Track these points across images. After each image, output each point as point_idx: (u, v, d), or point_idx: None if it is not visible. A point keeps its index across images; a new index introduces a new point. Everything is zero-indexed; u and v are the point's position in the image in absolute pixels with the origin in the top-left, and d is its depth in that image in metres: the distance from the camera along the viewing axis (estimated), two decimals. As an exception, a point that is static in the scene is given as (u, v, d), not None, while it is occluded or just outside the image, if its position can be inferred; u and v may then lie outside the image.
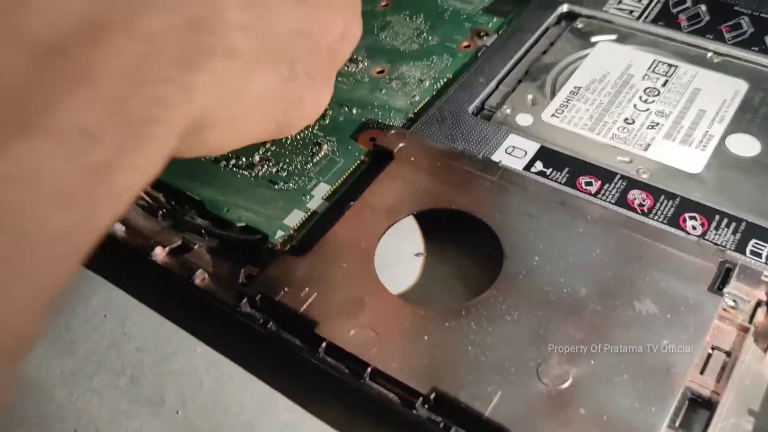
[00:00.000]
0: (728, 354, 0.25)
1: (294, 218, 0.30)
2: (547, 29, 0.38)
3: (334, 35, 0.26)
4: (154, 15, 0.17)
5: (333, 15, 0.26)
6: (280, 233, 0.29)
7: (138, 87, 0.17)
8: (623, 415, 0.22)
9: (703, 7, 0.38)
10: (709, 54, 0.36)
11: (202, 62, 0.19)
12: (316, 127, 0.34)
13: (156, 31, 0.17)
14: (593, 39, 0.37)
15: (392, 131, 0.32)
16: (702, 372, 0.24)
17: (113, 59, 0.16)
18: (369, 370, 0.24)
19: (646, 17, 0.38)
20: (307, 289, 0.26)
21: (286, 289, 0.26)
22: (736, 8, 0.38)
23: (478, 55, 0.37)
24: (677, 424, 0.23)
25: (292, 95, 0.25)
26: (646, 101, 0.33)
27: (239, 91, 0.21)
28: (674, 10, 0.38)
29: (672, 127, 0.32)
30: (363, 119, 0.34)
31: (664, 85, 0.34)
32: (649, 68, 0.35)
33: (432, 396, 0.23)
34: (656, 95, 0.34)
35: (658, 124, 0.32)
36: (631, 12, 0.38)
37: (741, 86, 0.34)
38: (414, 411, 0.23)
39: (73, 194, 0.16)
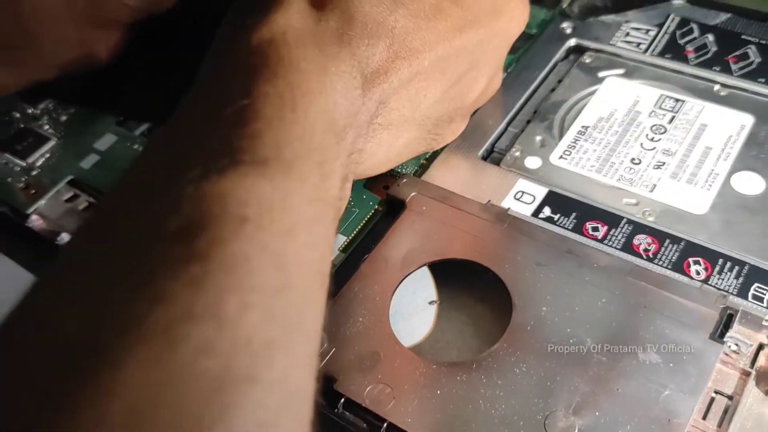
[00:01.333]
0: (730, 398, 0.26)
1: (313, 271, 0.31)
2: (555, 65, 0.39)
3: (477, 91, 0.33)
4: None
5: (478, 77, 0.32)
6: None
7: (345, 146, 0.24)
8: (627, 467, 0.24)
9: (711, 37, 0.38)
10: (716, 87, 0.36)
11: (370, 135, 0.28)
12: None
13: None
14: (601, 74, 0.38)
15: (404, 180, 0.33)
16: (705, 417, 0.25)
17: None
18: (385, 425, 0.26)
19: (654, 50, 0.38)
20: (325, 344, 0.28)
21: (305, 345, 0.28)
22: (743, 37, 0.38)
23: (487, 95, 0.38)
24: (680, 471, 0.24)
25: (435, 135, 0.33)
26: (652, 139, 0.34)
27: (391, 144, 0.31)
28: (681, 41, 0.39)
29: (678, 166, 0.33)
30: (377, 167, 0.35)
31: (670, 121, 0.35)
32: (656, 104, 0.36)
33: (445, 450, 0.25)
34: (663, 132, 0.34)
35: (664, 163, 0.33)
36: (638, 45, 0.39)
37: (747, 120, 0.34)
38: (428, 465, 0.25)
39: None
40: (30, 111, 0.41)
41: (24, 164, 0.38)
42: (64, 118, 0.41)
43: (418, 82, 0.29)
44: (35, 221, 0.36)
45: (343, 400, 0.26)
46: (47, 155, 0.39)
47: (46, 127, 0.40)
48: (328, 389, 0.27)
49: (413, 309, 0.30)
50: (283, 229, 0.18)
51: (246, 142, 0.19)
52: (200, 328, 0.15)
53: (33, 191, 0.37)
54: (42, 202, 0.36)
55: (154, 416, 0.14)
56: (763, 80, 0.36)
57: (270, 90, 0.21)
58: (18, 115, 0.41)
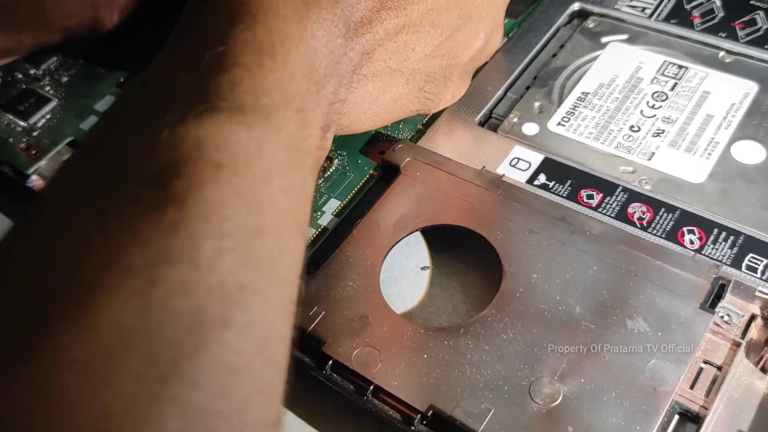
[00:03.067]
0: (719, 368, 0.26)
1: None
2: (558, 30, 0.39)
3: (475, 48, 0.32)
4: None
5: (475, 32, 0.31)
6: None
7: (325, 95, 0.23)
8: (609, 433, 0.24)
9: (718, 2, 0.38)
10: (721, 53, 0.36)
11: (355, 84, 0.28)
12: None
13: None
14: (604, 39, 0.37)
15: (399, 145, 0.33)
16: (692, 386, 0.25)
17: None
18: (371, 387, 0.26)
19: (659, 15, 0.38)
20: (315, 307, 0.28)
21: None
22: (751, 2, 0.37)
23: (487, 60, 0.37)
24: (664, 438, 0.24)
25: (429, 94, 0.32)
26: (653, 107, 0.34)
27: (378, 98, 0.30)
28: (687, 6, 0.38)
29: (677, 134, 0.32)
30: (373, 132, 0.35)
31: (672, 88, 0.34)
32: (658, 71, 0.35)
33: (429, 413, 0.25)
34: (664, 100, 0.34)
35: (663, 131, 0.33)
36: (643, 9, 0.38)
37: (751, 88, 0.34)
38: (412, 428, 0.25)
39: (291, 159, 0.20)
40: (32, 72, 0.41)
41: (25, 125, 0.38)
42: (65, 79, 0.41)
43: (406, 35, 0.29)
44: (35, 181, 0.36)
45: (331, 362, 0.27)
46: (48, 116, 0.39)
47: (48, 88, 0.40)
48: (316, 352, 0.27)
49: (404, 274, 0.30)
50: (259, 175, 0.18)
51: (224, 89, 0.19)
52: (176, 270, 0.15)
53: (34, 152, 0.37)
54: (42, 163, 0.36)
55: (135, 342, 0.14)
56: (769, 47, 0.35)
57: (249, 36, 0.21)
58: (20, 76, 0.41)
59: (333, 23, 0.24)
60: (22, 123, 0.38)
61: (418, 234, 0.31)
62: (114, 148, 0.19)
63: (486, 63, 0.37)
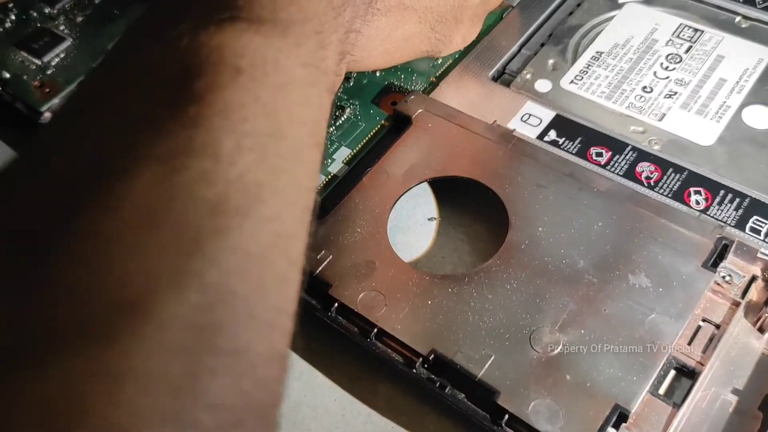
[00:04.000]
0: (717, 326, 0.26)
1: (315, 181, 0.32)
2: (576, -12, 0.38)
3: None
4: None
5: None
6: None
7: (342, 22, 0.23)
8: (606, 382, 0.24)
9: (738, -33, 0.37)
10: (738, 18, 0.35)
11: (369, 17, 0.28)
12: (340, 90, 0.35)
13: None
14: (621, 0, 0.37)
15: (411, 96, 0.33)
16: (690, 343, 0.26)
17: None
18: (375, 330, 0.26)
19: (678, -23, 0.37)
20: (323, 251, 0.28)
21: (303, 251, 0.28)
22: (772, -32, 0.37)
23: (503, 16, 0.37)
24: (660, 391, 0.25)
25: (440, 35, 0.33)
26: (666, 68, 0.34)
27: (390, 34, 0.31)
28: (707, -30, 0.37)
29: (689, 96, 0.32)
30: (386, 82, 0.35)
31: (687, 51, 0.34)
32: (674, 33, 0.35)
33: (431, 357, 0.25)
34: (678, 62, 0.34)
35: (675, 93, 0.33)
36: (662, -29, 0.38)
37: (766, 54, 0.34)
38: (414, 370, 0.26)
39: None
40: (47, 11, 0.41)
41: (39, 63, 0.38)
42: (80, 19, 0.41)
43: None
44: (48, 119, 0.36)
45: (336, 304, 0.27)
46: (62, 55, 0.39)
47: (63, 27, 0.40)
48: (323, 294, 0.27)
49: (412, 223, 0.31)
50: (276, 84, 0.19)
51: (243, 1, 0.20)
52: (198, 161, 0.16)
53: (47, 90, 0.37)
54: (55, 101, 0.37)
55: (160, 221, 0.15)
56: (787, 14, 0.35)
57: None
58: (35, 14, 0.41)
59: None
60: (36, 61, 0.39)
61: (426, 185, 0.31)
62: (137, 54, 0.19)
63: (502, 18, 0.37)
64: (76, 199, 0.16)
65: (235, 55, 0.18)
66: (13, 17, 0.41)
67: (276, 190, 0.17)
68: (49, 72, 0.38)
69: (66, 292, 0.14)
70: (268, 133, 0.18)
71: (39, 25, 0.41)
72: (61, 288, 0.14)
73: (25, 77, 0.38)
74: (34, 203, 0.16)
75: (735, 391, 0.25)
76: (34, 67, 0.38)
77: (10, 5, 0.41)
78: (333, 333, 0.27)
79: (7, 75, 0.38)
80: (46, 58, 0.39)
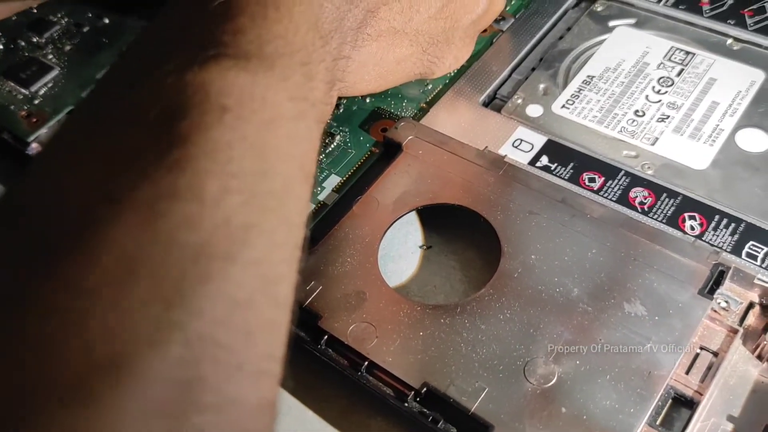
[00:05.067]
0: (715, 354, 0.26)
1: (305, 210, 0.31)
2: (565, 12, 0.38)
3: (477, 12, 0.33)
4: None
5: None
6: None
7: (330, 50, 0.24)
8: (602, 414, 0.24)
9: (728, -11, 0.37)
10: (729, 41, 0.35)
11: (360, 43, 0.28)
12: (330, 117, 0.35)
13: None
14: (611, 23, 0.37)
15: (402, 123, 0.33)
16: (688, 372, 0.25)
17: None
18: (366, 363, 0.26)
19: (668, 0, 0.37)
20: (312, 282, 0.28)
21: (293, 282, 0.28)
22: (762, -10, 0.37)
23: (493, 41, 0.37)
24: (658, 422, 0.24)
25: (432, 56, 0.33)
26: (659, 92, 0.33)
27: (382, 58, 0.31)
28: (697, -7, 0.37)
29: (682, 120, 0.32)
30: (376, 108, 0.35)
31: (679, 74, 0.34)
32: (665, 56, 0.35)
33: (423, 391, 0.25)
34: (670, 85, 0.34)
35: (668, 117, 0.32)
36: (652, -6, 0.38)
37: (758, 76, 0.33)
38: (406, 404, 0.25)
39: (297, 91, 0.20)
40: (35, 40, 0.41)
41: (27, 92, 0.38)
42: (68, 48, 0.41)
43: None
44: (35, 149, 0.36)
45: (326, 337, 0.27)
46: (50, 84, 0.39)
47: (51, 56, 0.40)
48: (312, 326, 0.27)
49: (403, 252, 0.30)
50: (264, 120, 0.18)
51: (228, 37, 0.19)
52: (182, 205, 0.16)
53: (35, 119, 0.37)
54: (43, 131, 0.36)
55: (141, 271, 0.15)
56: (778, 36, 0.35)
57: None
58: (23, 43, 0.41)
59: None
60: (23, 91, 0.38)
61: (417, 212, 0.31)
62: (122, 94, 0.19)
63: (492, 43, 0.37)
64: (54, 250, 0.15)
65: (221, 94, 0.18)
66: (0, 47, 0.41)
67: (264, 231, 0.17)
68: (36, 102, 0.38)
69: (39, 349, 0.14)
70: (257, 172, 0.17)
71: (27, 54, 0.40)
72: (33, 344, 0.14)
73: (12, 107, 0.37)
74: (8, 253, 0.16)
75: (734, 421, 0.24)
76: (21, 96, 0.38)
77: (-2, 35, 0.41)
78: (323, 366, 0.27)
79: (-6, 105, 0.38)
80: (33, 88, 0.38)
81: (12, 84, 0.39)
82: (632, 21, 0.37)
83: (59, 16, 0.42)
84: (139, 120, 0.17)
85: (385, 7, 0.29)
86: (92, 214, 0.16)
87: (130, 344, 0.14)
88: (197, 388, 0.14)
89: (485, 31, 0.38)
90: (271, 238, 0.17)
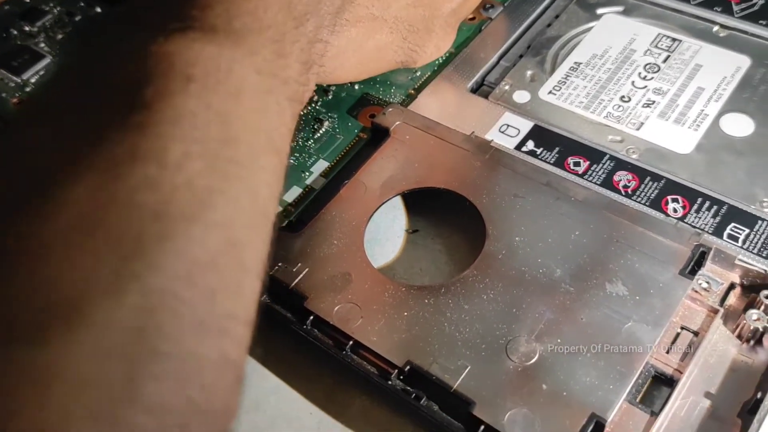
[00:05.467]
0: (696, 334, 0.26)
1: (293, 194, 0.31)
2: (554, 0, 0.39)
3: (456, 1, 0.33)
4: None
5: None
6: (278, 208, 0.31)
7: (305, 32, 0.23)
8: (582, 391, 0.24)
9: (715, -23, 0.37)
10: (716, 28, 0.35)
11: (338, 28, 0.28)
12: (319, 103, 0.35)
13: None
14: (599, 11, 0.37)
15: (389, 109, 0.33)
16: (668, 351, 0.26)
17: None
18: (350, 343, 0.26)
19: (656, -12, 0.38)
20: (299, 264, 0.28)
21: (280, 264, 0.28)
22: (749, -22, 0.37)
23: (482, 28, 0.37)
24: (638, 400, 0.25)
25: (413, 45, 0.33)
26: (644, 78, 0.34)
27: (362, 45, 0.31)
28: (685, -20, 0.38)
29: (667, 105, 0.32)
30: (364, 95, 0.35)
31: (665, 60, 0.34)
32: (652, 43, 0.35)
33: (406, 369, 0.25)
34: (656, 71, 0.34)
35: (653, 102, 0.33)
36: (640, -18, 0.38)
37: (743, 62, 0.34)
38: (389, 382, 0.25)
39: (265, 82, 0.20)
40: (27, 29, 0.41)
41: (19, 80, 0.38)
42: (60, 36, 0.41)
43: None
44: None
45: (312, 317, 0.27)
46: (42, 72, 0.39)
47: (42, 45, 0.40)
48: (298, 307, 0.27)
49: (390, 235, 0.31)
50: (229, 91, 0.19)
51: (196, 12, 0.20)
52: (142, 168, 0.16)
53: (18, 108, 0.37)
54: (34, 118, 0.36)
55: (98, 227, 0.15)
56: (764, 22, 0.35)
57: None
58: (15, 32, 0.41)
59: None
60: (15, 78, 0.38)
61: (404, 196, 0.31)
62: (90, 63, 0.19)
63: (480, 30, 0.37)
64: (14, 205, 0.16)
65: (187, 64, 0.18)
66: (-7, 35, 0.41)
67: (228, 197, 0.17)
68: (28, 89, 0.38)
69: None
70: (221, 140, 0.17)
71: (19, 42, 0.41)
72: None
73: (4, 95, 0.38)
74: None
75: (713, 399, 0.24)
76: (14, 84, 0.38)
77: (-9, 24, 0.42)
78: (309, 346, 0.27)
79: (-14, 92, 0.38)
80: (25, 76, 0.39)
81: (4, 72, 0.39)
82: (620, 8, 0.37)
83: (51, 5, 0.42)
84: (105, 87, 0.18)
85: None
86: (54, 175, 0.16)
87: (85, 292, 0.14)
88: (155, 336, 0.15)
89: (473, 18, 0.38)
90: (235, 203, 0.17)
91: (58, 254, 0.15)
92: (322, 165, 0.32)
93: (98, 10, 0.42)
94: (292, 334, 0.27)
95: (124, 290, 0.14)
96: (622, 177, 0.30)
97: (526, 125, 0.32)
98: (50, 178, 0.16)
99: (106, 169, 0.16)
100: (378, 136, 0.33)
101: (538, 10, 0.38)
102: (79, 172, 0.16)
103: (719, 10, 0.36)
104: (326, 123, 0.34)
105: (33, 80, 0.38)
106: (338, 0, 0.27)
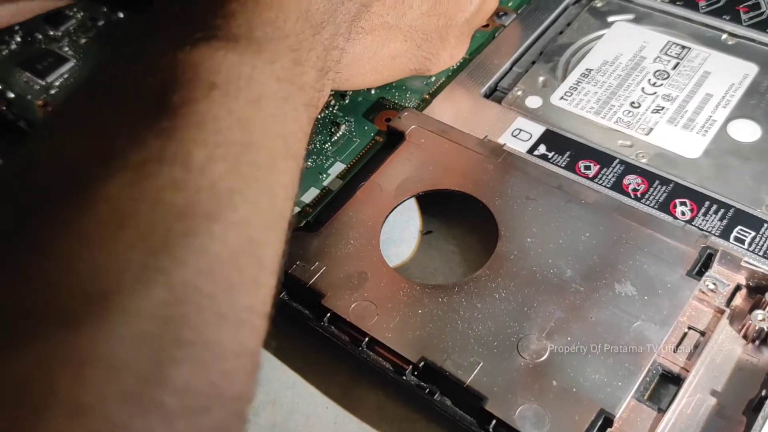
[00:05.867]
0: (703, 334, 0.27)
1: (310, 195, 0.32)
2: (566, 8, 0.39)
3: (470, 11, 0.34)
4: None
5: None
6: (296, 209, 0.32)
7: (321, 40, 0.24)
8: (591, 387, 0.25)
9: (724, -14, 0.38)
10: (724, 36, 0.36)
11: (354, 36, 0.29)
12: (336, 107, 0.36)
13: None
14: (610, 19, 0.38)
15: (405, 113, 0.34)
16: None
17: None
18: (366, 339, 0.27)
19: (666, -4, 0.38)
20: (317, 263, 0.29)
21: (298, 263, 0.29)
22: (758, -13, 0.38)
23: (495, 35, 0.38)
24: (645, 397, 0.25)
25: (427, 53, 0.34)
26: (654, 84, 0.34)
27: (376, 52, 0.32)
28: (694, -11, 0.38)
29: (676, 111, 0.33)
30: (380, 99, 0.36)
31: (674, 67, 0.35)
32: (661, 50, 0.36)
33: (421, 365, 0.26)
34: (665, 78, 0.35)
35: (663, 108, 0.33)
36: (650, -10, 0.39)
37: (751, 70, 0.34)
38: (404, 378, 0.26)
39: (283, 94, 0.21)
40: (52, 33, 0.43)
41: (43, 83, 0.40)
42: (83, 41, 0.42)
43: None
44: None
45: (329, 314, 0.28)
46: (66, 75, 0.40)
47: (66, 49, 0.42)
48: (316, 304, 0.28)
49: (405, 236, 0.31)
50: (250, 98, 0.20)
51: (219, 21, 0.21)
52: (168, 169, 0.17)
53: (50, 109, 0.38)
54: (59, 120, 0.38)
55: (130, 222, 0.16)
56: (772, 31, 0.36)
57: None
58: (40, 36, 0.42)
59: None
60: (40, 81, 0.40)
61: (418, 198, 0.32)
62: (120, 69, 0.21)
63: (494, 37, 0.38)
64: (53, 200, 0.17)
65: (210, 72, 0.19)
66: (18, 39, 0.42)
67: (247, 198, 0.18)
68: (52, 92, 0.39)
69: (38, 282, 0.15)
70: (242, 144, 0.19)
71: (44, 46, 0.42)
72: (34, 277, 0.15)
73: (29, 97, 0.39)
74: (15, 200, 0.18)
75: (719, 397, 0.25)
76: (38, 87, 0.39)
77: (16, 27, 0.43)
78: (326, 342, 0.28)
79: (12, 95, 0.39)
80: (49, 79, 0.40)
81: (29, 75, 0.40)
82: (631, 16, 0.38)
83: (75, 10, 0.44)
84: (134, 92, 0.19)
85: (378, 3, 0.30)
86: (88, 172, 0.17)
87: (117, 282, 0.15)
88: (180, 325, 0.16)
89: (487, 25, 0.39)
90: (254, 204, 0.18)
91: (93, 245, 0.16)
92: (339, 167, 0.33)
93: (120, 15, 0.43)
94: (310, 330, 0.28)
95: (153, 281, 0.16)
96: (631, 180, 0.31)
97: (538, 130, 0.33)
98: (85, 175, 0.17)
99: (137, 170, 0.17)
100: (393, 139, 0.33)
101: (551, 18, 0.39)
102: (112, 171, 0.17)
103: (728, 18, 0.37)
104: (343, 126, 0.35)
105: (57, 83, 0.40)
106: (354, 8, 0.27)
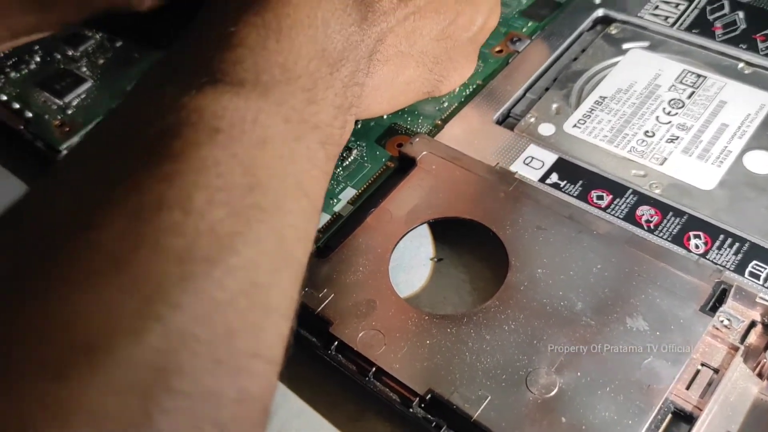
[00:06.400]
0: (716, 371, 0.26)
1: (321, 221, 0.32)
2: (581, 34, 0.39)
3: (474, 30, 0.34)
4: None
5: (473, 16, 0.34)
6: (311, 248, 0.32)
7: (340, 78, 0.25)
8: (601, 425, 0.24)
9: (741, 14, 0.38)
10: (741, 65, 0.36)
11: (371, 70, 0.30)
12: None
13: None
14: (625, 46, 0.38)
15: (416, 139, 0.34)
16: (688, 387, 0.26)
17: None
18: (373, 369, 0.27)
19: (681, 24, 0.38)
20: (325, 290, 0.29)
21: (306, 289, 0.29)
22: (775, 15, 0.38)
23: (509, 61, 0.38)
24: (656, 435, 0.25)
25: (438, 75, 0.34)
26: (669, 113, 0.34)
27: (393, 81, 0.32)
28: (711, 17, 0.38)
29: (691, 141, 0.33)
30: (392, 124, 0.36)
31: (689, 96, 0.35)
32: (677, 78, 0.36)
33: (428, 397, 0.26)
34: (680, 107, 0.34)
35: (677, 137, 0.33)
36: (666, 18, 0.39)
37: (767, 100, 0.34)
38: (411, 410, 0.26)
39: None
40: (70, 53, 0.43)
41: (61, 103, 0.40)
42: (101, 61, 0.42)
43: (414, 21, 0.31)
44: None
45: (336, 343, 0.28)
46: (83, 96, 0.40)
47: (84, 69, 0.42)
48: (323, 332, 0.28)
49: (414, 263, 0.31)
50: (255, 141, 0.20)
51: (226, 66, 0.21)
52: (168, 213, 0.17)
53: (67, 129, 0.39)
54: (74, 139, 0.38)
55: (125, 268, 0.16)
56: (790, 60, 0.35)
57: (257, 20, 0.23)
58: (59, 56, 0.43)
59: (345, 12, 0.25)
60: (57, 101, 0.40)
61: (426, 226, 0.32)
62: (128, 114, 0.21)
63: (507, 63, 0.38)
64: (48, 246, 0.17)
65: (215, 116, 0.19)
66: (37, 59, 0.43)
67: (250, 240, 0.18)
68: (69, 112, 0.39)
69: (28, 332, 0.15)
70: (245, 187, 0.19)
71: (62, 66, 0.42)
72: (24, 327, 0.15)
73: (46, 116, 0.39)
74: (11, 247, 0.18)
75: (732, 436, 0.25)
76: (56, 107, 0.40)
77: (35, 47, 0.43)
78: (334, 371, 0.28)
79: (30, 114, 0.39)
80: (67, 99, 0.40)
81: (47, 94, 0.40)
82: (646, 44, 0.38)
83: (93, 31, 0.44)
84: (139, 137, 0.19)
85: (391, 34, 0.30)
86: (86, 218, 0.17)
87: (108, 331, 0.15)
88: (174, 375, 0.15)
89: (501, 51, 0.39)
90: (258, 247, 0.18)
91: (85, 293, 0.16)
92: (349, 192, 0.33)
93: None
94: (318, 358, 0.28)
95: (146, 330, 0.15)
96: (644, 212, 0.30)
97: (550, 158, 0.33)
98: (86, 221, 0.17)
99: (136, 215, 0.17)
100: (405, 165, 0.33)
101: (565, 44, 0.38)
102: (110, 217, 0.17)
103: (744, 47, 0.36)
104: (354, 151, 0.35)
105: (74, 103, 0.40)
106: (371, 43, 0.28)
